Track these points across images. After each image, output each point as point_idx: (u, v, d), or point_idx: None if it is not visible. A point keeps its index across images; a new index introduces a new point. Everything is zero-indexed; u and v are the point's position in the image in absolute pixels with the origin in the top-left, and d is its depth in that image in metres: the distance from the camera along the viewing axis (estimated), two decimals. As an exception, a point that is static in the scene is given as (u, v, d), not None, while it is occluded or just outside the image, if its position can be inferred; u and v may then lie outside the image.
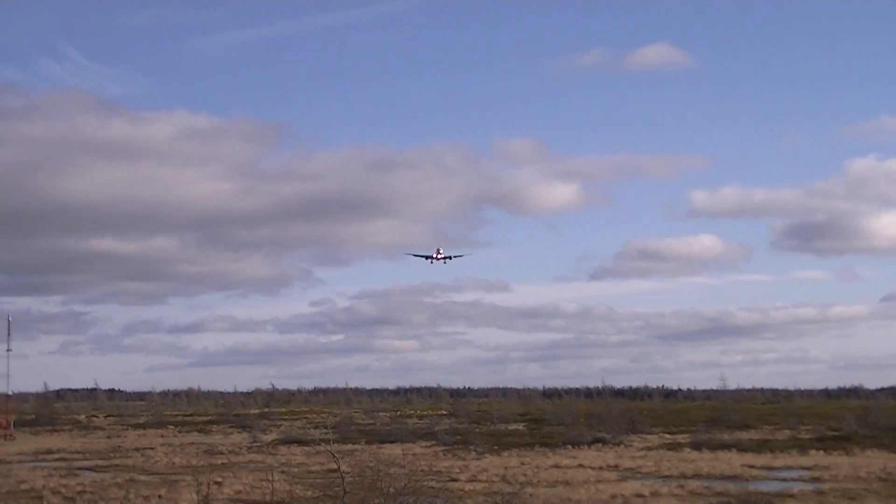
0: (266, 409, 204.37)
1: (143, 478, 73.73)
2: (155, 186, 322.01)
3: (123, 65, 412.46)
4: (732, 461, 79.56)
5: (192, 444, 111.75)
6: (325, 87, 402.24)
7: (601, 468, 75.57)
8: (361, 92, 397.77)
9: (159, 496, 59.58)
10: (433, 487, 63.78)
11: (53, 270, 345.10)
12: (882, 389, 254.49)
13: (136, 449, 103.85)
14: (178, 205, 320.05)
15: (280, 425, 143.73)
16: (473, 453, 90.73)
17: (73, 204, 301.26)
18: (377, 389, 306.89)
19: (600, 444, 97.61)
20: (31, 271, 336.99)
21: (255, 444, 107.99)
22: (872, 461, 77.22)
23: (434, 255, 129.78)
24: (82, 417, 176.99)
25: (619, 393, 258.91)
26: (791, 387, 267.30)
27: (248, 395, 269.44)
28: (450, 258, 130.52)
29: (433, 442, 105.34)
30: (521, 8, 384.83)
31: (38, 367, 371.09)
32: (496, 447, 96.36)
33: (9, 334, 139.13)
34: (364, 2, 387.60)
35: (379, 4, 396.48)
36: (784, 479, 68.60)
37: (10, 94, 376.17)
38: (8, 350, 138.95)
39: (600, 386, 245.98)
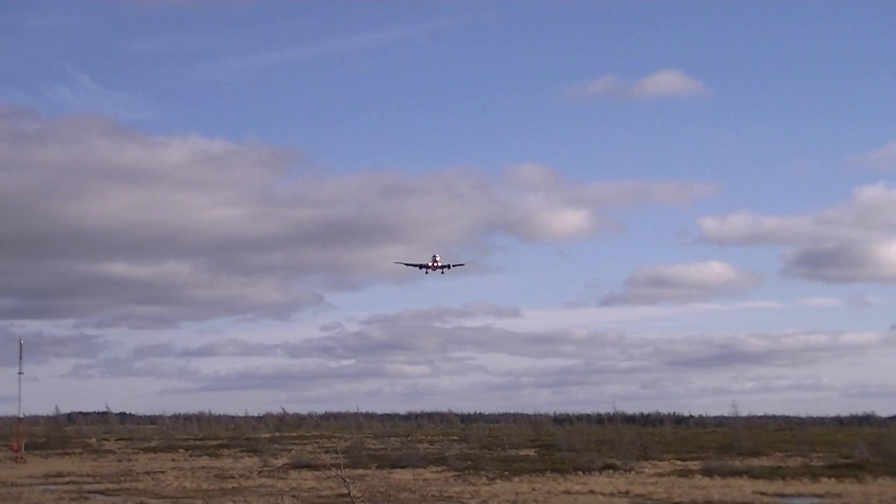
0: (277, 434, 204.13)
1: (153, 501, 73.92)
2: (168, 211, 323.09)
3: (133, 90, 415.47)
4: (744, 488, 79.34)
5: (202, 468, 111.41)
6: (338, 113, 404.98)
7: (612, 494, 75.54)
8: (374, 118, 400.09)
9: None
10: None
11: (65, 294, 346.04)
12: (894, 417, 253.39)
13: (147, 472, 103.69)
14: (191, 229, 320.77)
15: (291, 450, 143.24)
16: (484, 479, 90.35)
17: (86, 228, 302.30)
18: (388, 414, 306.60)
19: (611, 471, 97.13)
20: (43, 295, 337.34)
21: (265, 469, 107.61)
22: (885, 489, 76.99)
23: (430, 264, 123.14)
24: (93, 441, 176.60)
25: (631, 419, 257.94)
26: (803, 414, 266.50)
27: (259, 419, 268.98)
28: (448, 267, 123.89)
29: (444, 467, 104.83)
30: (531, 35, 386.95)
31: (49, 390, 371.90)
32: (507, 473, 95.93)
33: (20, 357, 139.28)
34: (374, 28, 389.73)
35: (388, 31, 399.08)
36: (796, 507, 68.51)
37: (24, 119, 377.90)
38: (19, 373, 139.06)
39: (611, 412, 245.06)
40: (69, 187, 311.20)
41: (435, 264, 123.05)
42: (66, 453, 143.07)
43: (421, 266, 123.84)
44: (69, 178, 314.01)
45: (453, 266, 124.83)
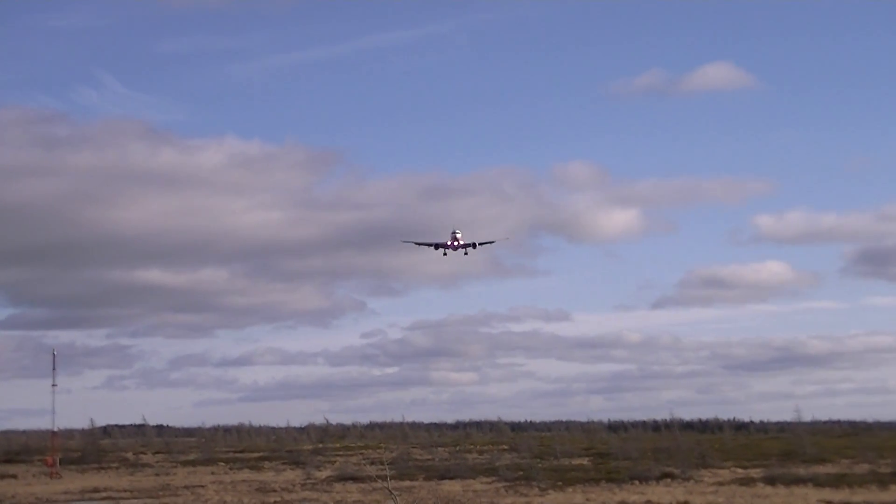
0: (320, 445, 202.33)
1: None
2: (204, 216, 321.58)
3: (162, 92, 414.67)
4: (809, 497, 78.40)
5: (243, 481, 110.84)
6: (377, 113, 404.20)
7: (671, 505, 74.41)
8: (415, 118, 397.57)
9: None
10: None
11: (98, 303, 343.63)
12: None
13: (186, 487, 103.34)
14: (228, 235, 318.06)
15: (335, 461, 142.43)
16: (536, 489, 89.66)
17: (120, 234, 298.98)
18: (435, 423, 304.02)
19: (669, 480, 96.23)
20: (76, 304, 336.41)
21: (308, 482, 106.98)
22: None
23: (449, 243, 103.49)
24: (130, 454, 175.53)
25: (688, 426, 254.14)
26: (869, 418, 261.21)
27: (302, 430, 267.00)
28: (473, 246, 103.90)
29: (494, 478, 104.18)
30: (574, 30, 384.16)
31: (83, 402, 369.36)
32: (560, 483, 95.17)
33: (54, 369, 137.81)
34: (413, 24, 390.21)
35: (427, 27, 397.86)
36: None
37: (56, 124, 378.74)
38: (53, 385, 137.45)
39: (668, 418, 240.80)
40: (102, 193, 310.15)
41: (455, 243, 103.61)
42: (102, 468, 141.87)
43: (437, 246, 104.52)
44: (102, 184, 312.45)
45: (480, 244, 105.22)
